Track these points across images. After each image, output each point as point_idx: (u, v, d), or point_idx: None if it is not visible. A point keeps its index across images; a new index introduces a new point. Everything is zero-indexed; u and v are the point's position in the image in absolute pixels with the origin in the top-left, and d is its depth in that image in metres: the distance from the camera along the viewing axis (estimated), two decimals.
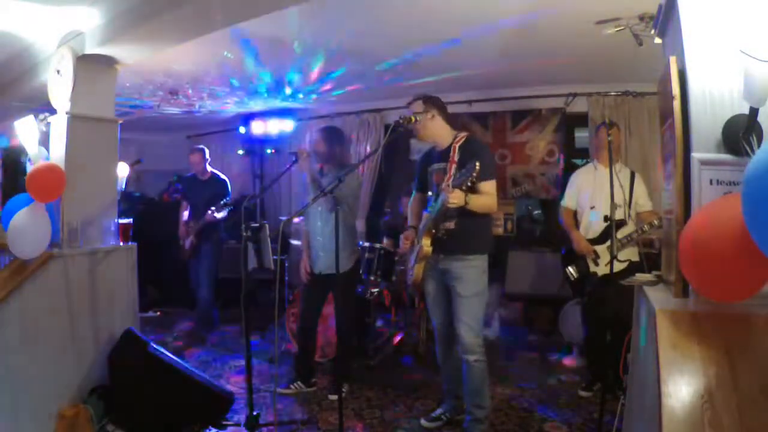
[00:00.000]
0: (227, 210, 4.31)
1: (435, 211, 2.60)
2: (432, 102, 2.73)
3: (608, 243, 3.02)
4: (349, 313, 3.40)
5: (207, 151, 4.71)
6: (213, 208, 4.27)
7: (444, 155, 2.72)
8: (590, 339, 3.37)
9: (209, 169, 4.70)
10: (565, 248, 3.44)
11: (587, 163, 4.00)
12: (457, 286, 2.63)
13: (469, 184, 2.36)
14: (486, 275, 2.70)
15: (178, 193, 4.67)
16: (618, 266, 3.03)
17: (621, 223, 3.15)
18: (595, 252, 3.24)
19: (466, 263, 2.63)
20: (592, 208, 3.30)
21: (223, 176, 4.74)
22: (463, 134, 2.74)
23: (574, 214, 3.44)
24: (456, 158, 2.64)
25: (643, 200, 3.29)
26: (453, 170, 2.62)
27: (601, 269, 3.20)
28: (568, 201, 3.46)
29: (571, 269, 3.35)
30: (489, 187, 2.60)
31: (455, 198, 2.37)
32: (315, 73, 4.27)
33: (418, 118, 2.65)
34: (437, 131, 2.75)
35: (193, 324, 4.83)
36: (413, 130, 2.72)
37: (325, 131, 3.42)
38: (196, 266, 4.64)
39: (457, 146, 2.67)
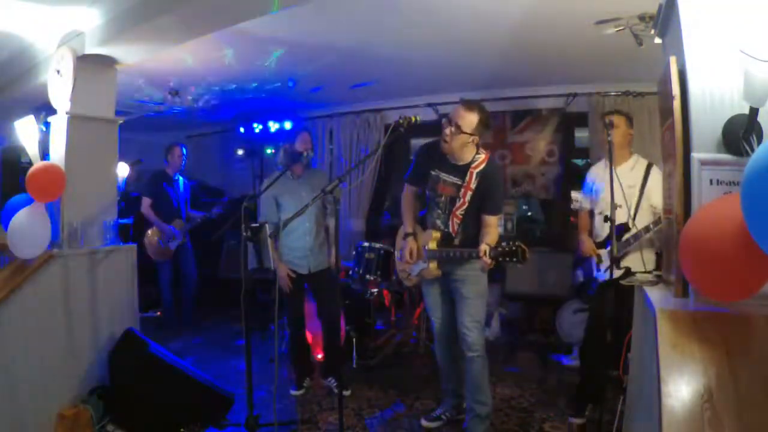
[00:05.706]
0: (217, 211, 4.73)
1: (457, 257, 2.60)
2: (485, 123, 2.58)
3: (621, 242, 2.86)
4: (339, 305, 3.49)
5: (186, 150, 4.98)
6: (209, 209, 4.70)
7: (457, 170, 2.64)
8: (587, 343, 3.08)
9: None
10: (578, 252, 3.22)
11: (586, 163, 3.97)
12: (461, 288, 2.66)
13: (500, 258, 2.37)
14: (486, 275, 2.72)
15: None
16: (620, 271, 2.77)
17: (624, 228, 2.84)
18: (598, 255, 3.03)
19: (468, 267, 2.65)
20: (619, 206, 2.75)
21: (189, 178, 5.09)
22: (483, 157, 2.63)
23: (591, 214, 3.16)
24: (472, 186, 2.60)
25: (656, 198, 2.79)
26: (468, 197, 2.61)
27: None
28: (584, 203, 3.22)
29: (578, 272, 3.24)
30: (495, 220, 2.63)
31: (490, 266, 2.43)
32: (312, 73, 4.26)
33: (452, 129, 2.52)
34: (463, 147, 2.59)
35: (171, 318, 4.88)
36: (447, 138, 2.55)
37: (309, 134, 3.48)
38: (176, 266, 4.77)
39: (474, 172, 2.60)
